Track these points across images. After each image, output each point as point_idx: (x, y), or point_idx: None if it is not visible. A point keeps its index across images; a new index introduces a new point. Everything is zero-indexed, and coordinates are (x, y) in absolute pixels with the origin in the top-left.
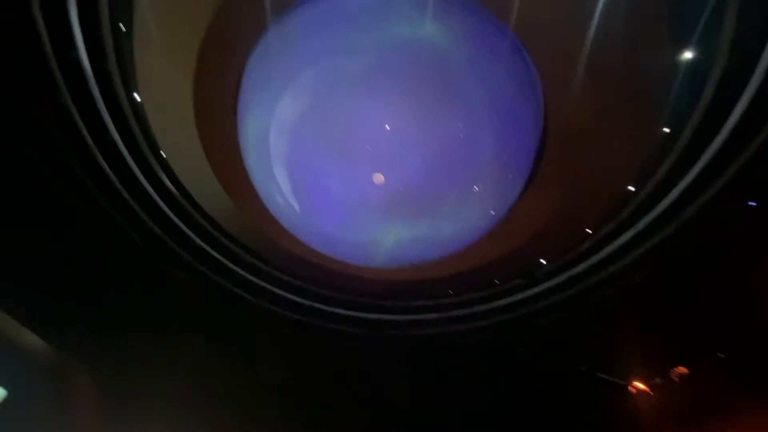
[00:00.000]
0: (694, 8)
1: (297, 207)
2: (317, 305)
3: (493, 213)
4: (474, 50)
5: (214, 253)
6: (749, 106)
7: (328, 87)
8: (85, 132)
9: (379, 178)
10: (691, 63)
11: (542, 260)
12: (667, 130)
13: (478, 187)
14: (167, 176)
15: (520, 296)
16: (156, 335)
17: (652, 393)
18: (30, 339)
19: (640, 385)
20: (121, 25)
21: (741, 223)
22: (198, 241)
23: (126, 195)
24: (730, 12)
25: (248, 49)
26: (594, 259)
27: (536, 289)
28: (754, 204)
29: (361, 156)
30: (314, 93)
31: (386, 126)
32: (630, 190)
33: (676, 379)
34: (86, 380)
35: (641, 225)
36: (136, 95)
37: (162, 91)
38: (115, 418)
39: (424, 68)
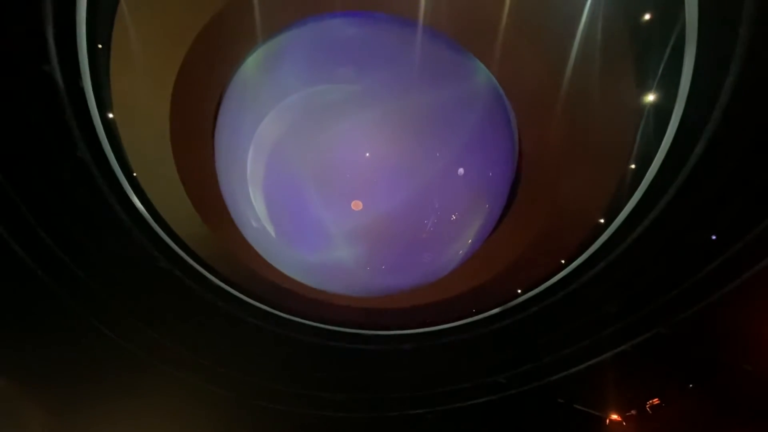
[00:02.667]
0: (656, 57)
1: (272, 232)
2: (293, 334)
3: (470, 242)
4: (453, 85)
5: (185, 277)
6: (709, 145)
7: (308, 113)
8: (53, 146)
9: (357, 205)
10: (655, 106)
11: (518, 290)
12: (633, 166)
13: (455, 216)
14: (138, 197)
15: (496, 325)
16: (128, 357)
17: (626, 424)
18: None
19: (616, 417)
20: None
21: (706, 255)
22: (168, 264)
23: (93, 214)
24: (687, 61)
25: (228, 72)
26: (568, 289)
27: (512, 319)
28: (714, 237)
29: (339, 183)
30: (294, 119)
31: (366, 154)
32: (600, 223)
33: (649, 411)
34: (38, 410)
35: (612, 256)
36: (109, 114)
37: (137, 111)
38: None
39: (404, 99)
